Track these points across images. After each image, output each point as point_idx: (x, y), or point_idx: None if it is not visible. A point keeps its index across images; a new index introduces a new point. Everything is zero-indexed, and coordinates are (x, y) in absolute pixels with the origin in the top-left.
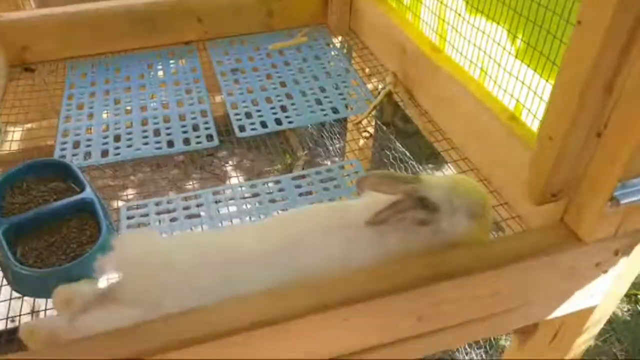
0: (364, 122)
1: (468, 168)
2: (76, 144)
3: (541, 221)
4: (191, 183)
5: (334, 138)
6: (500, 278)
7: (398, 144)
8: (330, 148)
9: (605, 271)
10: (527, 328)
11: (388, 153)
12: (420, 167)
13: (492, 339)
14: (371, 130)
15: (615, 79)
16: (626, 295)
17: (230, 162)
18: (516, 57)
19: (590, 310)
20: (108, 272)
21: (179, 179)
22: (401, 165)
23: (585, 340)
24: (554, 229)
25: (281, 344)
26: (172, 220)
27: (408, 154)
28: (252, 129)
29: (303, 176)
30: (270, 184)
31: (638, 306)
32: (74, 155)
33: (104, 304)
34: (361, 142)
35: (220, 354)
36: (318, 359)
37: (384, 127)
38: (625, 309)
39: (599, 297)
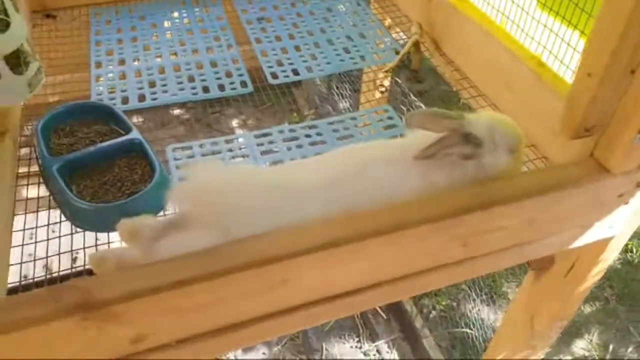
0: (380, 75)
1: None
2: (111, 89)
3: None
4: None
5: (345, 96)
6: (536, 207)
7: (413, 97)
8: (341, 105)
9: (627, 202)
10: (544, 263)
11: (403, 107)
12: None
13: (496, 285)
14: (387, 84)
15: None
16: None
17: (237, 121)
18: (542, 8)
19: (607, 241)
20: (180, 201)
21: (185, 136)
22: None
23: (599, 271)
24: (585, 163)
25: (336, 267)
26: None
27: (421, 104)
28: (285, 76)
29: (339, 121)
30: (309, 129)
31: (628, 255)
32: (111, 99)
33: (179, 231)
34: (377, 95)
35: (278, 276)
36: (370, 283)
37: (399, 81)
38: (616, 258)
39: (619, 227)
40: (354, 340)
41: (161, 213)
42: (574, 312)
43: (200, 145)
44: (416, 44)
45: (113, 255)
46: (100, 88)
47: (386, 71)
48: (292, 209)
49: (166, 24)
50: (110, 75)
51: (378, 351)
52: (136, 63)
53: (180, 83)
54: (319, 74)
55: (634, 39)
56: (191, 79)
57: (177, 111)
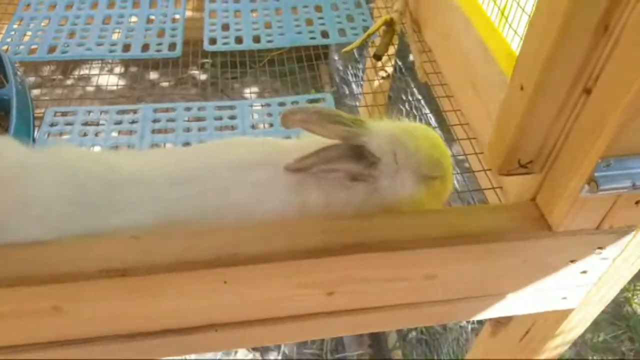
0: (383, 60)
1: (458, 122)
2: (26, 36)
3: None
4: None
5: (359, 77)
6: (438, 259)
7: (414, 89)
8: (355, 88)
9: (585, 272)
10: (501, 317)
11: (404, 98)
12: (433, 120)
13: None
14: (390, 70)
15: (614, 10)
16: None
17: (252, 89)
18: None
19: (565, 313)
20: None
21: (197, 100)
22: (416, 115)
23: (558, 345)
24: (521, 209)
25: (141, 302)
26: (98, 134)
27: (423, 102)
28: (224, 44)
29: (264, 105)
30: (223, 110)
31: None
32: (18, 46)
33: None
34: (376, 83)
35: (52, 301)
36: (187, 326)
37: (402, 70)
38: None
39: (575, 300)
40: (316, 347)
41: None
42: None
43: (88, 112)
44: (390, 24)
45: None
46: (13, 32)
47: (345, 52)
48: (100, 215)
49: None
50: (33, 19)
51: None
52: (68, 10)
53: (102, 37)
54: (266, 45)
55: (587, 38)
56: (117, 35)
57: (195, 71)
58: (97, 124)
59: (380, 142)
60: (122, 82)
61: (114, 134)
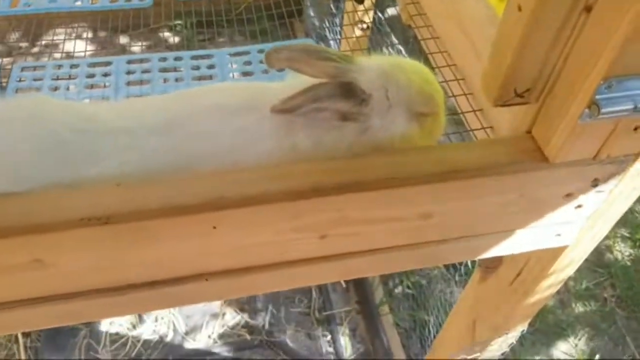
0: (360, 14)
1: (445, 64)
2: None
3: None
4: None
5: (335, 32)
6: (433, 196)
7: (394, 38)
8: (332, 44)
9: (580, 206)
10: (491, 261)
11: (384, 50)
12: None
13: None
14: (368, 20)
15: None
16: (631, 239)
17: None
18: None
19: (558, 251)
20: None
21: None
22: None
23: (551, 285)
24: (517, 142)
25: (127, 252)
26: (69, 88)
27: (404, 53)
28: None
29: (243, 53)
30: (200, 60)
31: None
32: None
33: None
34: (356, 33)
35: (32, 254)
36: (176, 276)
37: (382, 18)
38: (627, 254)
39: (570, 237)
40: (304, 306)
41: None
42: (518, 327)
43: (58, 67)
44: None
45: None
46: None
47: None
48: (85, 161)
49: None
50: None
51: (328, 321)
52: None
53: None
54: None
55: None
56: None
57: (167, 34)
58: (69, 78)
59: (370, 77)
60: (91, 48)
61: (87, 88)
